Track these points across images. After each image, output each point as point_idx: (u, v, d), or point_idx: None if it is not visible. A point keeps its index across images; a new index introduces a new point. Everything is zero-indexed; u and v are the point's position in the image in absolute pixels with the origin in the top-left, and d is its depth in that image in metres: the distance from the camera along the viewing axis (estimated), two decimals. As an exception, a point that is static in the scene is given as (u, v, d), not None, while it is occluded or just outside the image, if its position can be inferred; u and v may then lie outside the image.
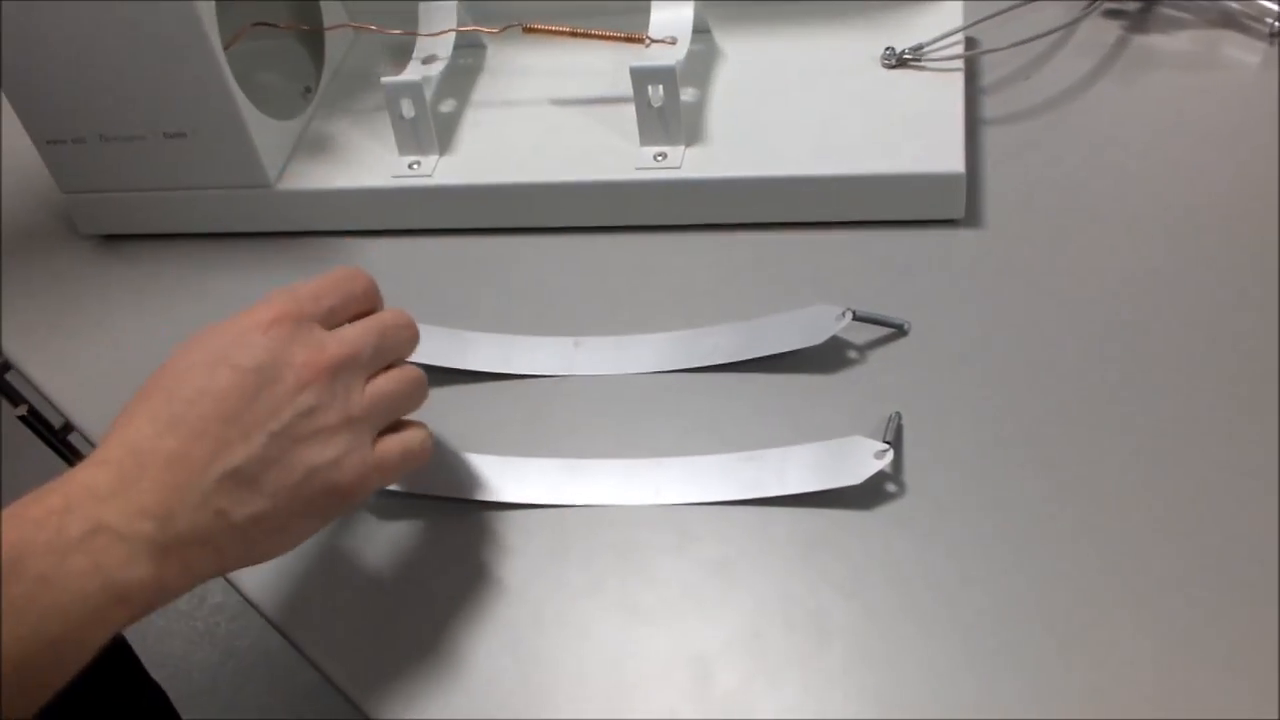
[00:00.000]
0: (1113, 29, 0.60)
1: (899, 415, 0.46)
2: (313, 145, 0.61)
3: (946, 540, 0.42)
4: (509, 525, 0.45)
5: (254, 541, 0.37)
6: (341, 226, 0.60)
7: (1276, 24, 0.57)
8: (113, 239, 0.64)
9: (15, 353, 0.60)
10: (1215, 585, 0.39)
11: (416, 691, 0.41)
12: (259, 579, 0.45)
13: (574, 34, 0.58)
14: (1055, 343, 0.47)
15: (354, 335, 0.40)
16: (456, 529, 0.46)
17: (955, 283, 0.51)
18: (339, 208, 0.59)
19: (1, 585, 0.30)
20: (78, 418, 0.56)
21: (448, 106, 0.61)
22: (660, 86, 0.53)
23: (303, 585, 0.45)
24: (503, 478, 0.47)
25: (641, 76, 0.53)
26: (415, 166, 0.58)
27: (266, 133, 0.59)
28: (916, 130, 0.53)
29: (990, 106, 0.58)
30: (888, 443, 0.44)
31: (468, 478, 0.47)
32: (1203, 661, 0.37)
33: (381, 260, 0.58)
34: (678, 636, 0.41)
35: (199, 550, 0.35)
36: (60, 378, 0.58)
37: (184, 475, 0.35)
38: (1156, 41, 0.59)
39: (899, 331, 0.48)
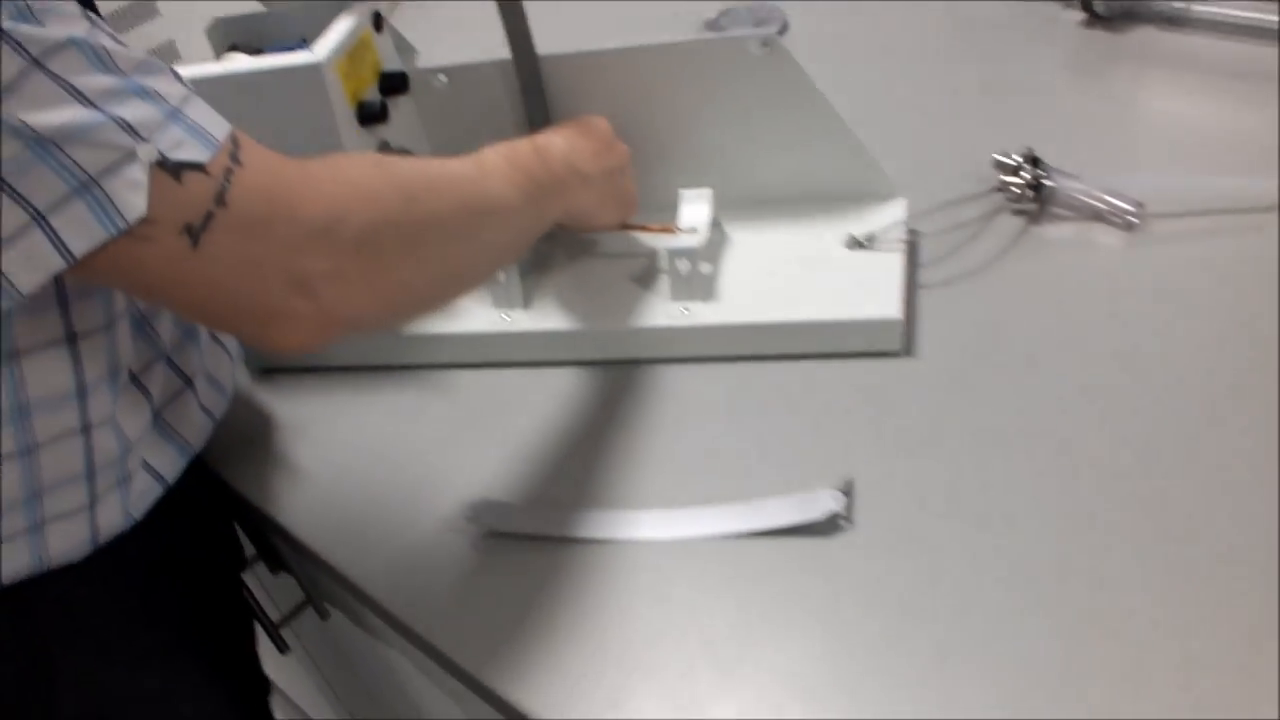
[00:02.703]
0: (1018, 222, 0.82)
1: (852, 479, 0.65)
2: (429, 303, 0.83)
3: (885, 560, 0.61)
4: (587, 552, 0.65)
5: (599, 211, 0.76)
6: (449, 361, 0.81)
7: (1131, 219, 0.78)
8: (270, 371, 0.86)
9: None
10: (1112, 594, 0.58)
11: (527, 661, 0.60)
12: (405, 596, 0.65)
13: (625, 226, 0.80)
14: (968, 435, 0.67)
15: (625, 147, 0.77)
16: (554, 555, 0.65)
17: (896, 396, 0.71)
18: (447, 347, 0.81)
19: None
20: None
21: (529, 272, 0.83)
22: (686, 260, 0.75)
23: (449, 603, 0.65)
24: (582, 524, 0.66)
25: (673, 254, 0.76)
26: (506, 317, 0.80)
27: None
28: (867, 290, 0.74)
29: (926, 276, 0.79)
30: (843, 493, 0.64)
31: (574, 525, 0.67)
32: (1111, 654, 0.56)
33: (479, 386, 0.79)
34: (686, 624, 0.60)
35: (592, 193, 0.72)
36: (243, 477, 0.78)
37: (583, 166, 0.70)
38: (1048, 230, 0.81)
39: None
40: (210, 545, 0.79)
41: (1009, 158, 0.83)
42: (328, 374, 0.84)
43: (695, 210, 0.79)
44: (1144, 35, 1.02)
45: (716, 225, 0.83)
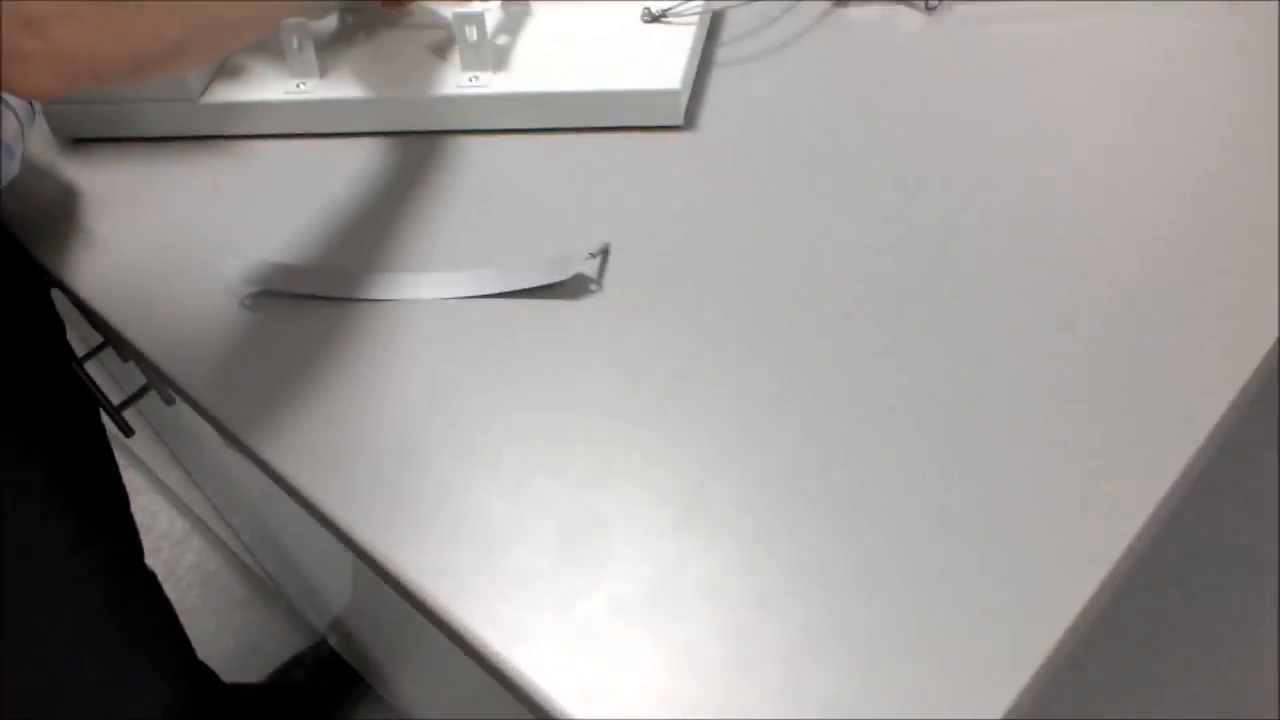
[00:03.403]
0: (824, 5, 0.81)
1: (608, 245, 0.66)
2: (232, 70, 0.82)
3: (627, 321, 0.62)
4: (351, 312, 0.66)
5: None
6: (247, 131, 0.81)
7: (931, 3, 0.78)
8: (80, 142, 0.85)
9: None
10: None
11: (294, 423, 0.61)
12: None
13: (422, -2, 0.79)
14: (737, 209, 0.68)
15: None
16: (330, 314, 0.66)
17: (673, 168, 0.71)
18: (244, 116, 0.80)
19: None
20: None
21: (329, 44, 0.82)
22: (474, 27, 0.74)
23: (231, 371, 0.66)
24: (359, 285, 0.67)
25: (461, 20, 0.74)
26: (301, 86, 0.79)
27: (195, 60, 0.79)
28: (654, 62, 0.74)
29: (723, 55, 0.78)
30: (592, 255, 0.64)
31: (338, 285, 0.67)
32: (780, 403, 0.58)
33: (276, 156, 0.79)
34: (432, 378, 0.61)
35: None
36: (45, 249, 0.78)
37: None
38: (854, 13, 0.80)
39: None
40: (30, 325, 0.79)
41: (820, -65, 0.82)
42: (133, 144, 0.83)
43: (492, -21, 0.78)
44: None
45: (523, 1, 0.81)
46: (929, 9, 0.78)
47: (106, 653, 0.84)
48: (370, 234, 0.71)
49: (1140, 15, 0.75)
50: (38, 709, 0.83)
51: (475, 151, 0.76)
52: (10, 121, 0.71)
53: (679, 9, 0.77)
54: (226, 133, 0.81)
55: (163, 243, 0.75)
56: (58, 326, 0.86)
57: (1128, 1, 0.76)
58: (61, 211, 0.79)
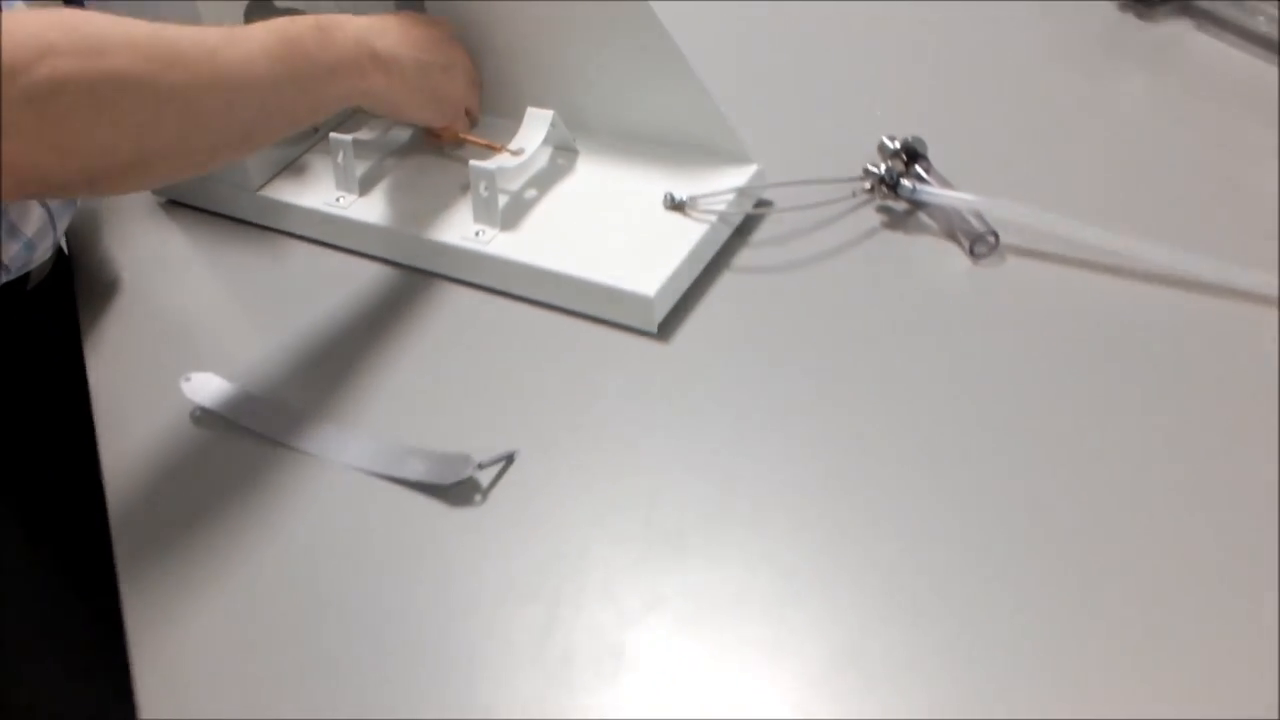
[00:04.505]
0: (877, 220, 0.74)
1: (514, 454, 0.63)
2: (298, 168, 0.84)
3: (496, 542, 0.59)
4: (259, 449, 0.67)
5: (409, 104, 0.75)
6: (289, 230, 0.82)
7: (979, 248, 0.69)
8: (173, 203, 0.90)
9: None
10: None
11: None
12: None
13: (451, 134, 0.79)
14: (670, 437, 0.62)
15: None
16: (250, 450, 0.67)
17: (630, 376, 0.66)
18: (286, 215, 0.82)
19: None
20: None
21: (370, 165, 0.82)
22: (485, 183, 0.73)
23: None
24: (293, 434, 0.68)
25: (476, 173, 0.73)
26: (340, 200, 0.80)
27: (262, 153, 0.82)
28: (645, 259, 0.69)
29: (743, 258, 0.73)
30: (481, 465, 0.61)
31: (259, 420, 0.68)
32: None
33: (305, 264, 0.80)
34: (305, 553, 0.61)
35: (393, 80, 0.71)
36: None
37: (385, 49, 0.71)
38: (901, 239, 0.72)
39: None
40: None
41: (892, 142, 0.74)
42: (213, 217, 0.87)
43: (531, 133, 0.76)
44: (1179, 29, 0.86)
45: (568, 151, 0.79)
46: (975, 256, 0.69)
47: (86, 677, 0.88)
48: (330, 368, 0.71)
49: (1192, 295, 0.64)
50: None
51: (463, 304, 0.74)
52: (36, 215, 0.75)
53: (706, 200, 0.73)
54: (273, 226, 0.84)
55: (175, 321, 0.78)
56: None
57: (1192, 292, 0.65)
58: (124, 269, 0.84)
